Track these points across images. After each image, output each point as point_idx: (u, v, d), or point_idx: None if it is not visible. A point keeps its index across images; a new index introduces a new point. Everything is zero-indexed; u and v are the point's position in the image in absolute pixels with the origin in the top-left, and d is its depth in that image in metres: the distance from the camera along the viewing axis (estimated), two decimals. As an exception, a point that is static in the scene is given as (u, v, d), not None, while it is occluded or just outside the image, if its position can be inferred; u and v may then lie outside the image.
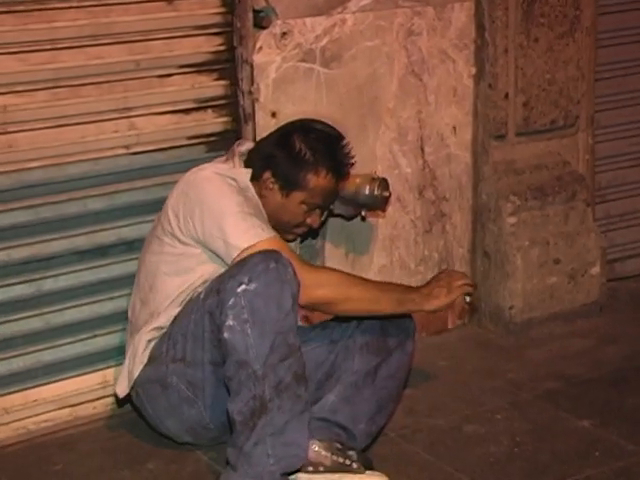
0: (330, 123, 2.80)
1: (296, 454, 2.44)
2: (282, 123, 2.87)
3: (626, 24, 3.72)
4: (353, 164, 2.78)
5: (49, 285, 2.80)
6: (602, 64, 3.66)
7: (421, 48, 3.29)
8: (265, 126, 2.97)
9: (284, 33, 3.02)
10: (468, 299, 2.66)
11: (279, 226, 2.69)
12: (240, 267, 2.42)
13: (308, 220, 2.73)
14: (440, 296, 2.59)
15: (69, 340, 2.85)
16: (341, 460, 2.52)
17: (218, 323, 2.42)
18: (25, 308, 2.78)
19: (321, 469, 2.51)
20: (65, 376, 2.86)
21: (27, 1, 2.64)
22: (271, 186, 2.68)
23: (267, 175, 2.67)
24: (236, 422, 2.40)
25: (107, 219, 2.85)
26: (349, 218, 3.11)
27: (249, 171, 2.68)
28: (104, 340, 2.88)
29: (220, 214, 2.53)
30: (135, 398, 2.72)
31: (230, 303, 2.38)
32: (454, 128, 3.42)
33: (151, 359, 2.64)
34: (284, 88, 3.05)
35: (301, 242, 2.97)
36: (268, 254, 2.42)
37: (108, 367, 2.90)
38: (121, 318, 2.85)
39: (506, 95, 3.42)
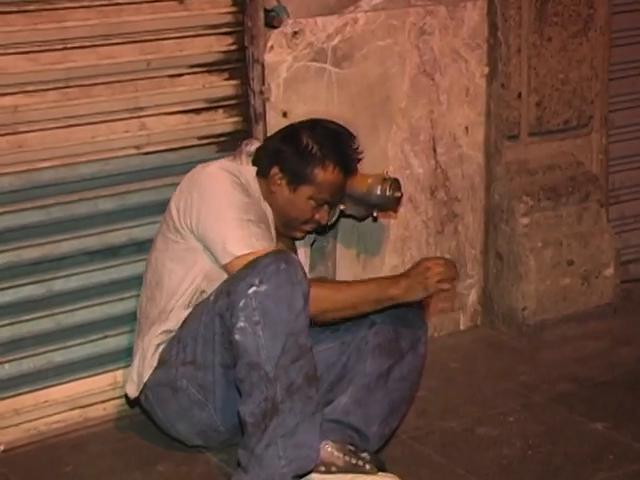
0: (340, 122, 2.79)
1: (307, 456, 2.43)
2: (293, 123, 2.87)
3: (640, 23, 3.71)
4: (361, 159, 2.79)
5: (60, 286, 2.80)
6: (616, 63, 3.65)
7: (433, 47, 3.28)
8: (276, 126, 2.95)
9: (295, 32, 3.01)
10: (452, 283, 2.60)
11: (287, 223, 2.71)
12: (250, 269, 2.41)
13: (316, 216, 2.73)
14: (417, 290, 2.54)
15: (80, 341, 2.84)
16: (354, 461, 2.51)
17: (229, 325, 2.41)
18: (36, 309, 2.77)
19: (333, 469, 2.50)
20: (76, 377, 2.86)
21: (38, 1, 2.64)
22: (279, 182, 2.68)
23: (275, 171, 2.67)
24: (247, 424, 2.40)
25: (118, 219, 2.84)
26: (360, 219, 3.10)
27: (254, 169, 2.70)
28: (115, 341, 2.88)
29: (218, 216, 2.55)
30: (144, 402, 2.72)
31: (241, 305, 2.37)
32: (466, 128, 3.41)
33: (161, 363, 2.63)
34: (295, 88, 3.04)
35: (311, 245, 2.96)
36: (278, 255, 2.42)
37: (119, 368, 2.89)
38: (132, 319, 2.84)
39: (519, 95, 3.41)
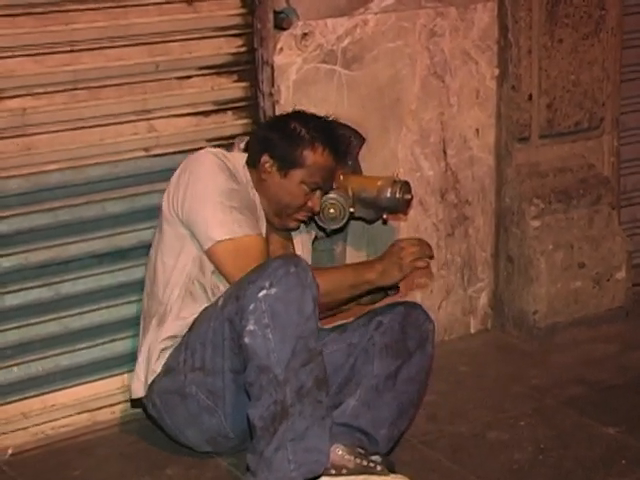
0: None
1: (317, 460, 2.42)
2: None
3: (652, 25, 3.69)
4: (350, 143, 2.80)
5: (67, 289, 2.79)
6: (628, 65, 3.63)
7: (443, 49, 3.27)
8: (286, 128, 2.94)
9: (305, 34, 3.00)
10: (431, 259, 2.60)
11: (280, 211, 2.72)
12: (260, 272, 2.40)
13: (309, 203, 2.73)
14: (393, 273, 2.56)
15: (88, 344, 2.84)
16: (365, 463, 2.50)
17: (238, 329, 2.40)
18: (43, 312, 2.76)
19: (344, 472, 2.48)
20: (84, 381, 2.85)
21: (45, 3, 2.64)
22: (269, 169, 2.69)
23: (265, 158, 2.69)
24: (257, 427, 2.39)
25: (126, 222, 2.84)
26: (370, 221, 3.08)
27: (244, 156, 2.72)
28: (123, 344, 2.87)
29: (202, 200, 2.57)
30: (152, 409, 2.71)
31: (251, 308, 2.36)
32: (477, 130, 3.40)
33: (168, 370, 2.62)
34: (305, 90, 3.03)
35: (313, 243, 2.95)
36: (288, 259, 2.42)
37: (127, 372, 2.88)
38: (140, 322, 2.82)
39: (530, 97, 3.40)
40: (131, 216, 2.84)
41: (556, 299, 3.43)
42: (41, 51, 2.65)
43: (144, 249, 2.85)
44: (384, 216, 3.02)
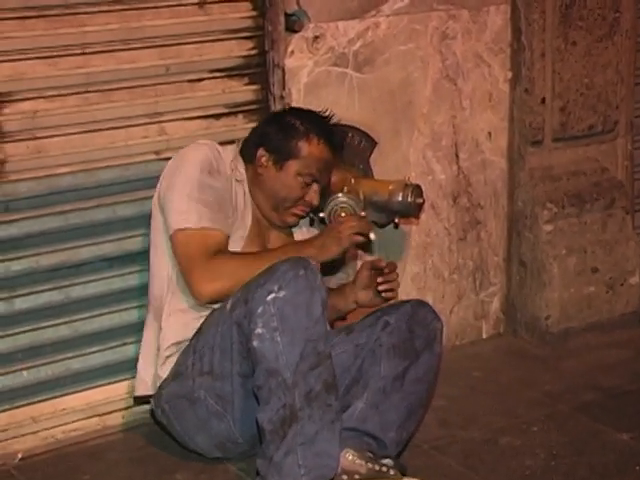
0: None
1: (327, 464, 2.41)
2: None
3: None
4: (345, 136, 2.81)
5: (78, 292, 2.78)
6: (642, 68, 3.62)
7: (456, 52, 3.26)
8: (297, 131, 2.94)
9: (316, 37, 2.99)
10: (373, 236, 2.61)
11: (277, 205, 2.72)
12: (269, 275, 2.40)
13: (306, 197, 2.73)
14: (332, 247, 2.58)
15: (98, 348, 2.83)
16: (377, 467, 2.48)
17: (247, 332, 2.40)
18: (54, 315, 2.76)
19: (356, 477, 2.47)
20: (94, 385, 2.84)
21: (58, 6, 2.63)
22: (265, 163, 2.70)
23: (261, 152, 2.70)
24: (266, 431, 2.38)
25: (137, 225, 2.83)
26: (382, 225, 3.08)
27: (234, 147, 2.75)
28: (133, 348, 2.85)
29: (175, 190, 2.61)
30: (161, 415, 2.70)
31: (259, 311, 2.36)
32: (489, 134, 3.39)
33: (176, 375, 2.61)
34: (316, 93, 3.02)
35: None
36: (297, 261, 2.41)
37: (137, 375, 2.88)
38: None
39: (543, 100, 3.38)
40: (142, 219, 2.83)
41: (569, 304, 3.41)
42: (53, 54, 2.64)
43: (155, 253, 2.86)
44: (396, 220, 3.01)
